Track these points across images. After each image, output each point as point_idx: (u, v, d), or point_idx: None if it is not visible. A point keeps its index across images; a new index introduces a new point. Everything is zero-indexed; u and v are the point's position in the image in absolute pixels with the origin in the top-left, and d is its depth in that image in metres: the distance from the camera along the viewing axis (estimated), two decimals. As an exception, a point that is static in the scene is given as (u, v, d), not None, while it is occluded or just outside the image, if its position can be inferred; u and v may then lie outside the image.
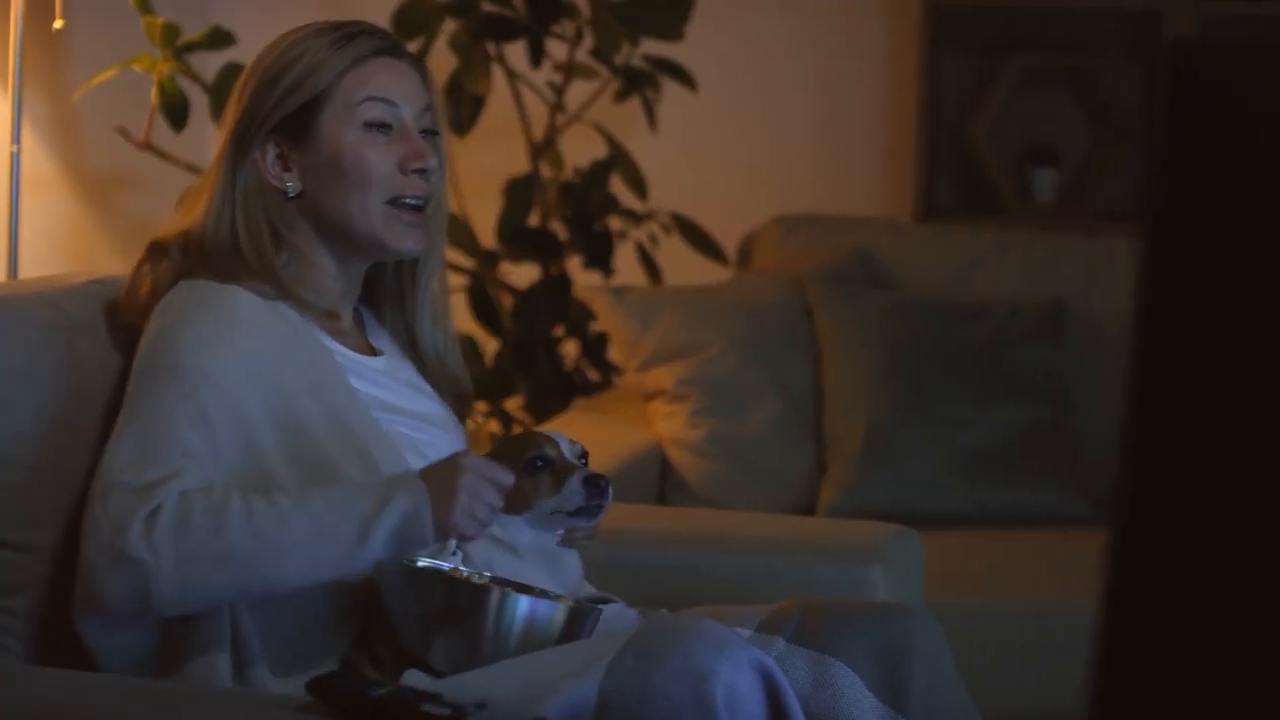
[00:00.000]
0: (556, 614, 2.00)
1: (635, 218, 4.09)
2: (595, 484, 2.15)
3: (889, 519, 3.16)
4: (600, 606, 2.10)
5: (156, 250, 2.18)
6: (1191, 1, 4.05)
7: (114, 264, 3.99)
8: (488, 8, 3.95)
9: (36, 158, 3.68)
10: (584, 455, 2.21)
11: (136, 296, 2.17)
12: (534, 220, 4.11)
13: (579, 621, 2.02)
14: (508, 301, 4.07)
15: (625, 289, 3.77)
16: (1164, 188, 1.06)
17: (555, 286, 4.05)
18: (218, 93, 3.67)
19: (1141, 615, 1.12)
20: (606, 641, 1.95)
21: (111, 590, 1.93)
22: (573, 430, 3.56)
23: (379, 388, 2.19)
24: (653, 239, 4.13)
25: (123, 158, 3.94)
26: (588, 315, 4.12)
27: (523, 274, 4.22)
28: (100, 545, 1.93)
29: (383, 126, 2.14)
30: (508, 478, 2.02)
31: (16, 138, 3.37)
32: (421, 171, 2.15)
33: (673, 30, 3.88)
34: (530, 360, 4.05)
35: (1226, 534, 1.08)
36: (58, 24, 3.38)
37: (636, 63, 4.00)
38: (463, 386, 2.30)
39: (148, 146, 3.67)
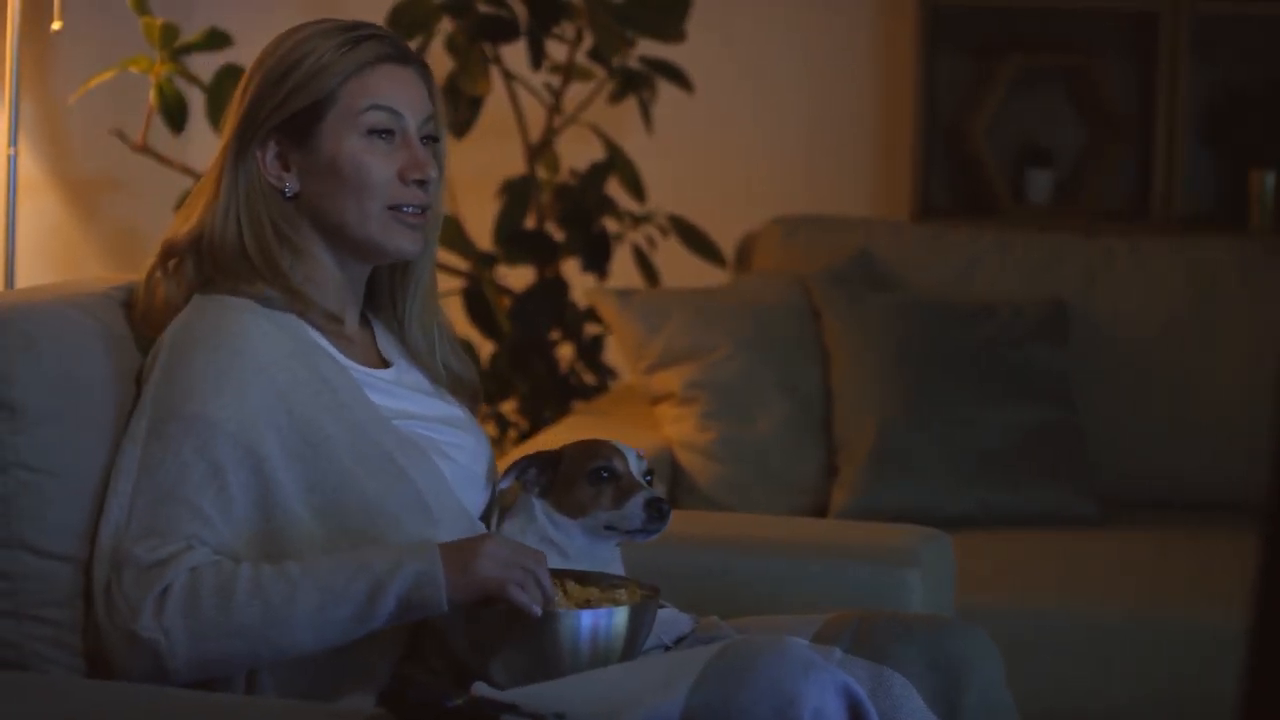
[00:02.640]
0: (617, 619, 1.98)
1: (634, 219, 4.07)
2: (657, 508, 2.13)
3: (899, 521, 3.16)
4: (656, 593, 2.07)
5: (169, 253, 2.14)
6: (1188, 2, 4.05)
7: (102, 269, 3.94)
8: (484, 9, 3.92)
9: (25, 161, 3.63)
10: (650, 474, 2.19)
11: (152, 308, 2.14)
12: (530, 222, 4.08)
13: (639, 619, 2.01)
14: (504, 304, 4.04)
15: (631, 291, 3.75)
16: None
17: (552, 289, 4.02)
18: (215, 94, 3.63)
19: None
20: (687, 657, 1.93)
21: (129, 666, 1.97)
22: (580, 434, 3.55)
23: (393, 398, 2.16)
24: (650, 241, 4.11)
25: (112, 161, 3.89)
26: (582, 318, 4.10)
27: (519, 276, 4.19)
28: (116, 626, 1.97)
29: (385, 133, 2.13)
30: (536, 557, 1.99)
31: (13, 141, 3.32)
32: (421, 182, 2.13)
33: (673, 31, 3.86)
34: (526, 363, 4.02)
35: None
36: (56, 25, 3.33)
37: (632, 64, 3.98)
38: (468, 383, 2.28)
39: (144, 149, 3.62)
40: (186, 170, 3.74)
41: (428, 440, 2.14)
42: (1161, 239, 3.87)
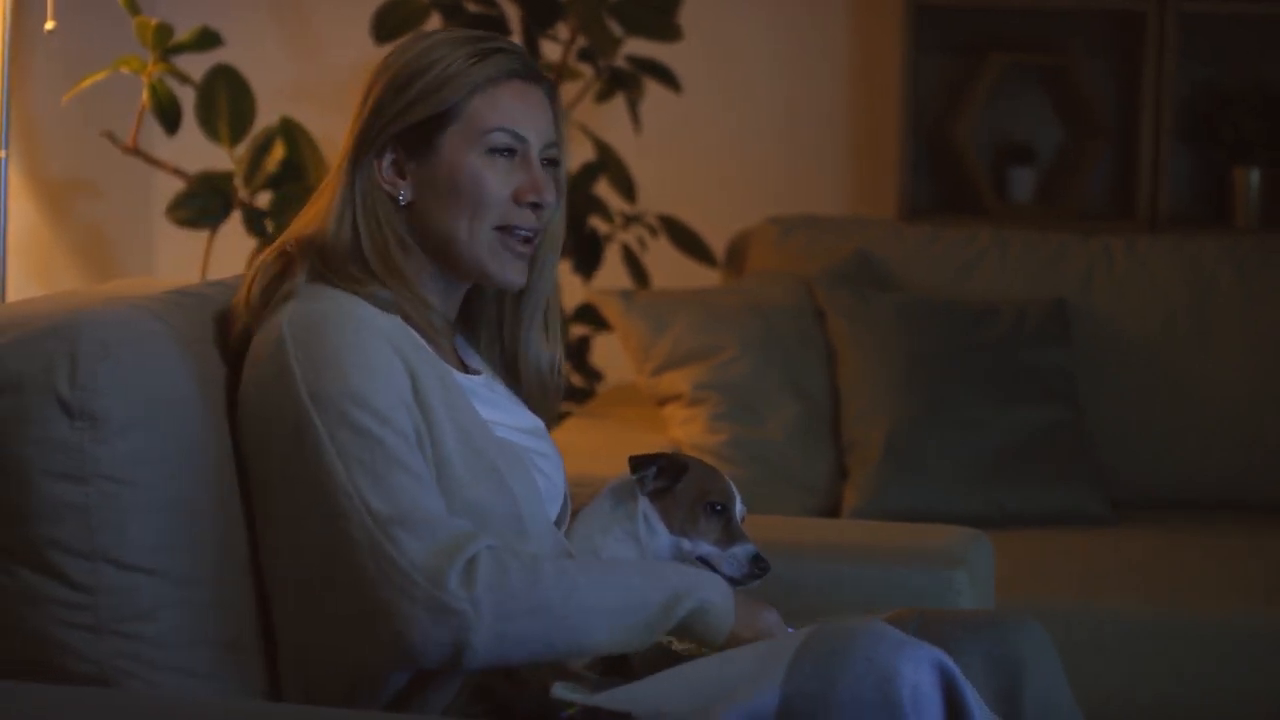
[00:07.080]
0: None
1: (626, 219, 4.05)
2: (761, 564, 2.14)
3: (911, 521, 3.16)
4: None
5: (294, 249, 2.08)
6: (1174, 1, 4.07)
7: (76, 273, 3.87)
8: (473, 8, 3.89)
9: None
10: (744, 517, 2.19)
11: (249, 295, 2.08)
12: (517, 224, 4.04)
13: None
14: (492, 306, 3.99)
15: (634, 292, 3.73)
16: None
17: (541, 291, 3.99)
18: (206, 95, 3.57)
19: None
20: (773, 646, 1.93)
21: (429, 638, 1.90)
22: (591, 436, 3.54)
23: (489, 405, 2.13)
24: (640, 242, 4.09)
25: (88, 163, 3.82)
26: (566, 320, 4.07)
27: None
28: (417, 597, 1.89)
29: (506, 151, 2.09)
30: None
31: (4, 144, 3.25)
32: (535, 205, 2.10)
33: (668, 30, 3.84)
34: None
35: None
36: (49, 25, 3.26)
37: (619, 63, 3.95)
38: (555, 407, 2.26)
39: (135, 151, 3.56)
40: (178, 172, 3.67)
41: (522, 450, 2.11)
42: (1157, 238, 3.89)
